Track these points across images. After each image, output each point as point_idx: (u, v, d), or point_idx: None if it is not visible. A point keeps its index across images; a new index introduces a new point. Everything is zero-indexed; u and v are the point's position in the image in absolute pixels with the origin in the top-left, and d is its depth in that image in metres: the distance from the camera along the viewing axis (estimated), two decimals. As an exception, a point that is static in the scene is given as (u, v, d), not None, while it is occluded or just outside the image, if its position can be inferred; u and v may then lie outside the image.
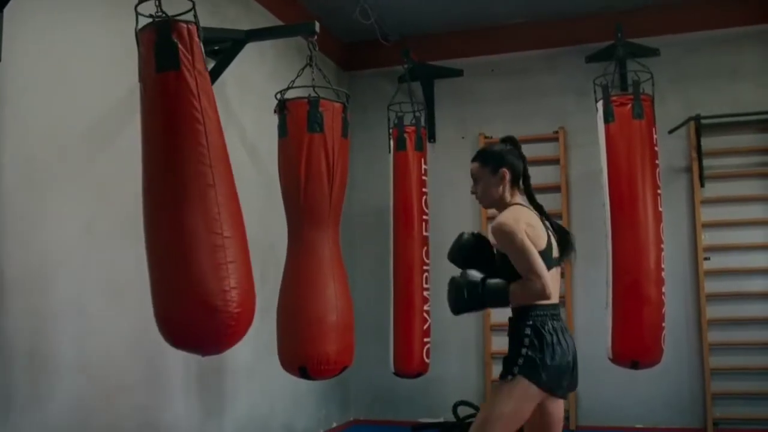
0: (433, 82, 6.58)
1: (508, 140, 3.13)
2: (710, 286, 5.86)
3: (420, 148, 5.67)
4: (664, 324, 4.78)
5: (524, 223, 2.85)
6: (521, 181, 3.06)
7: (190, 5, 2.98)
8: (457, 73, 6.49)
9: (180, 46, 2.85)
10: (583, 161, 6.14)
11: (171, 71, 2.85)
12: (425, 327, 5.53)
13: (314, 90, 3.82)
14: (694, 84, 6.05)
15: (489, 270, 2.91)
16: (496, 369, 6.36)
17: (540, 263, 2.77)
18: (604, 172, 4.91)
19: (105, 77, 3.66)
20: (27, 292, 3.21)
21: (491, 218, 6.37)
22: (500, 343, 6.27)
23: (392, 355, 5.55)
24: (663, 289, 4.79)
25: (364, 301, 6.40)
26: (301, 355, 3.77)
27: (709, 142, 5.92)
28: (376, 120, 6.29)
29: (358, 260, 6.38)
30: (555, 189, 6.27)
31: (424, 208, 5.66)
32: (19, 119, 3.19)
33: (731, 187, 5.93)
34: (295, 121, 3.81)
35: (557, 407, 2.94)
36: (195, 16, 2.98)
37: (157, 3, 2.94)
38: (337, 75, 6.69)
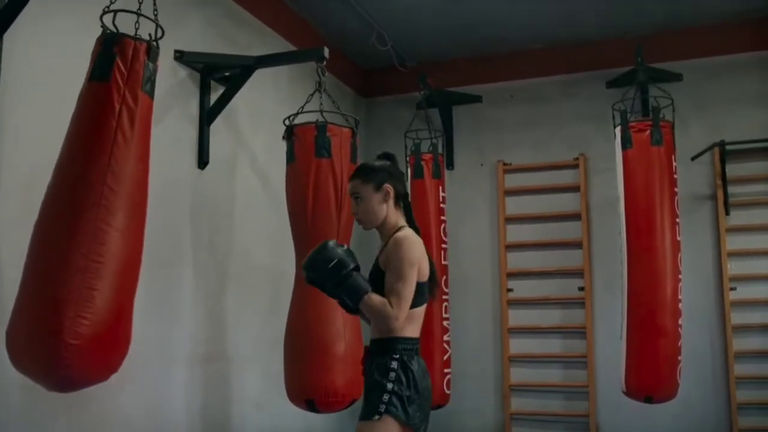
0: (452, 108, 6.50)
1: (386, 156, 2.99)
2: (737, 317, 5.66)
3: (437, 175, 5.60)
4: (680, 357, 4.60)
5: (421, 254, 2.78)
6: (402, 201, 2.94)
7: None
8: (476, 99, 6.41)
9: (118, 60, 2.79)
10: (604, 188, 5.99)
11: (101, 82, 2.79)
12: (445, 357, 5.40)
13: (322, 115, 3.78)
14: (718, 109, 5.90)
15: None
16: (515, 401, 6.24)
17: (409, 299, 2.69)
18: (621, 200, 4.81)
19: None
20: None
21: (510, 247, 6.32)
22: (519, 375, 6.14)
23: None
24: (680, 321, 4.62)
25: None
26: (308, 387, 3.67)
27: (734, 169, 5.76)
28: (393, 147, 6.12)
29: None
30: (575, 217, 6.14)
31: (443, 236, 5.57)
32: (18, 139, 3.16)
33: (758, 214, 5.75)
34: (303, 146, 3.77)
35: None
36: (156, 40, 2.94)
37: (136, 24, 2.93)
38: (355, 102, 6.65)
